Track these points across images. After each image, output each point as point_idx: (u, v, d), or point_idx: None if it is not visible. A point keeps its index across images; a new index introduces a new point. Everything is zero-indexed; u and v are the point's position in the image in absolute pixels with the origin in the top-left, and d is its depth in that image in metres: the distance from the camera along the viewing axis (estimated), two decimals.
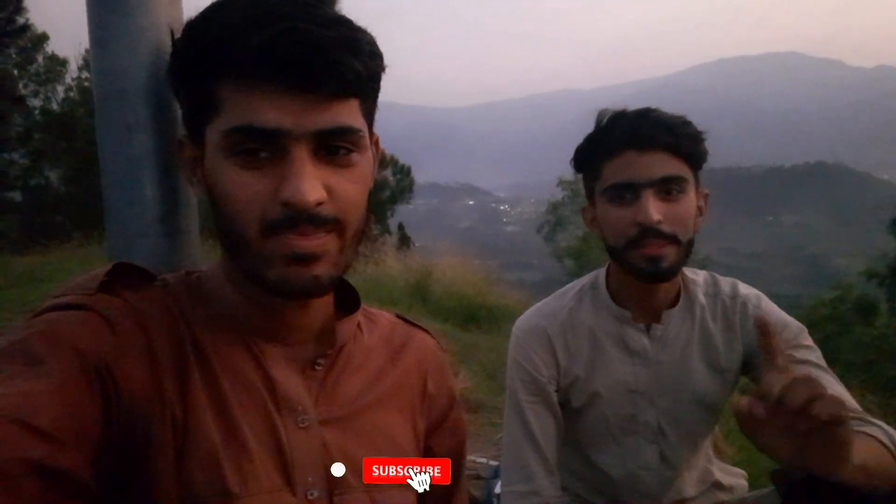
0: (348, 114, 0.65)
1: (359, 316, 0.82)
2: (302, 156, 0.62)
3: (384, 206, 16.18)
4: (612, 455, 1.31)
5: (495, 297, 7.80)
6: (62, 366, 0.56)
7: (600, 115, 1.21)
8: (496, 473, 2.51)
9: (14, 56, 13.40)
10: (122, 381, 0.60)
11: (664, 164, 1.13)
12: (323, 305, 0.76)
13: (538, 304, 1.38)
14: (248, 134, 0.62)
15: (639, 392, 1.27)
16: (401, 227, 16.20)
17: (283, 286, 0.65)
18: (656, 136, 1.12)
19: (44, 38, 14.73)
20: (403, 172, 17.53)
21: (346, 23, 0.64)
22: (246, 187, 0.63)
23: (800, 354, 1.18)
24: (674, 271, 1.17)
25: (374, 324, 0.86)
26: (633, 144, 1.13)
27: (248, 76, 0.61)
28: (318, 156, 0.64)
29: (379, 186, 16.47)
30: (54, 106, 15.53)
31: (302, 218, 0.62)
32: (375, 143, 0.76)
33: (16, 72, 13.51)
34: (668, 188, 1.13)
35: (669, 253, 1.13)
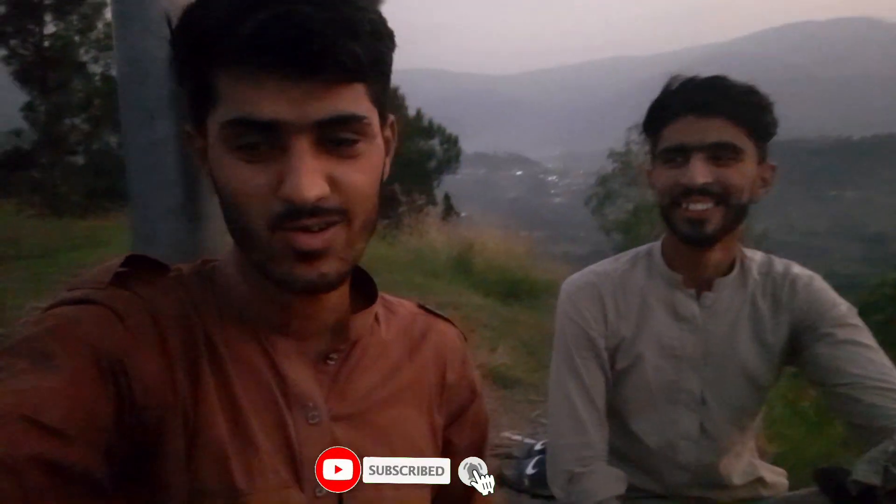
0: (352, 100, 0.61)
1: (376, 308, 0.80)
2: (302, 148, 0.59)
3: (430, 175, 16.12)
4: (651, 423, 1.31)
5: (538, 272, 7.72)
6: (73, 361, 0.56)
7: (671, 80, 1.21)
8: (529, 453, 2.51)
9: (75, 23, 13.76)
10: (133, 375, 0.60)
11: (720, 131, 1.12)
12: (337, 299, 0.73)
13: (590, 266, 1.39)
14: (245, 126, 0.59)
15: (683, 358, 1.27)
16: (447, 197, 16.12)
17: (289, 282, 0.63)
18: (716, 101, 1.13)
19: (103, 4, 15.05)
20: (450, 142, 17.35)
21: (347, 2, 0.59)
22: (248, 182, 0.60)
23: (843, 333, 1.17)
24: (719, 235, 1.16)
25: (394, 314, 0.84)
26: (692, 109, 1.14)
27: (242, 65, 0.58)
28: (321, 146, 0.61)
29: (425, 156, 16.39)
30: (114, 72, 15.93)
31: (304, 212, 0.60)
32: (391, 126, 0.73)
33: (77, 38, 13.88)
34: (720, 154, 1.13)
35: (715, 215, 1.14)
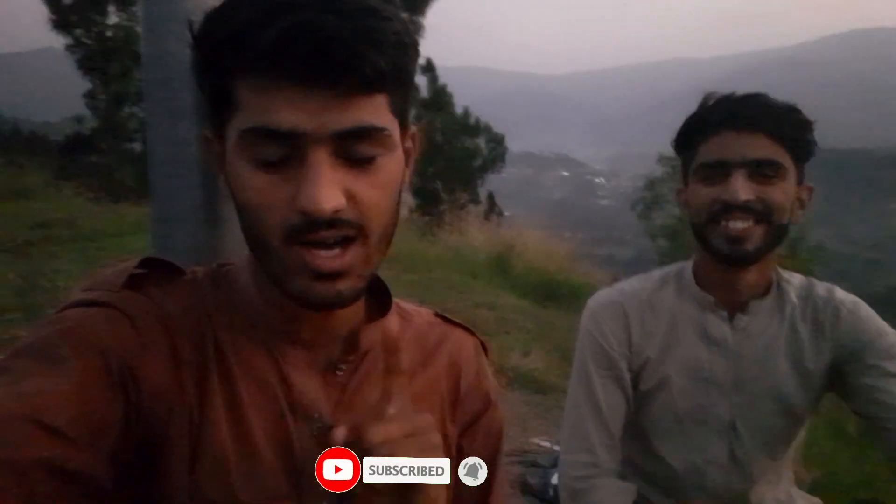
0: (372, 112, 0.60)
1: (388, 319, 0.79)
2: (320, 159, 0.58)
3: (474, 174, 16.05)
4: (677, 446, 1.26)
5: (578, 275, 7.62)
6: (83, 364, 0.56)
7: (706, 97, 1.19)
8: (555, 462, 2.47)
9: (137, 15, 14.23)
10: (142, 380, 0.60)
11: (762, 147, 1.09)
12: (350, 311, 0.73)
13: (618, 283, 1.37)
14: (263, 135, 0.58)
15: (713, 382, 1.22)
16: (490, 196, 16.01)
17: (304, 300, 0.63)
18: (757, 117, 1.10)
19: None
20: (496, 141, 17.24)
21: (370, 11, 0.57)
22: (265, 193, 0.59)
23: (893, 366, 1.12)
24: (759, 255, 1.12)
25: (408, 323, 0.82)
26: (731, 124, 1.11)
27: (262, 74, 0.57)
28: (340, 158, 0.59)
29: (470, 155, 16.32)
30: None
31: (320, 224, 0.59)
32: (412, 138, 0.71)
33: (137, 29, 14.35)
34: (762, 171, 1.09)
35: (756, 233, 1.10)
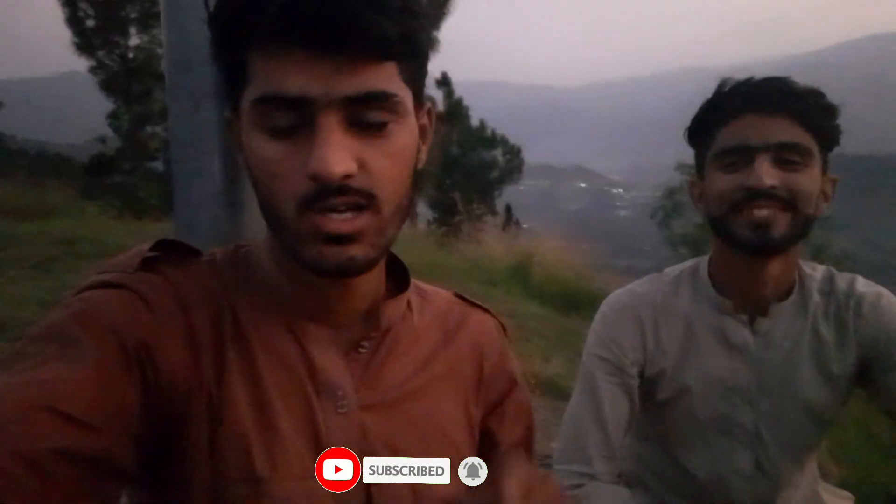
0: (383, 78, 0.59)
1: (408, 296, 0.78)
2: (330, 125, 0.58)
3: (492, 186, 16.07)
4: (700, 455, 1.20)
5: (599, 284, 7.55)
6: (98, 347, 0.56)
7: (722, 82, 1.12)
8: None
9: (159, 36, 14.55)
10: (159, 360, 0.59)
11: (787, 131, 1.02)
12: (369, 285, 0.72)
13: (631, 285, 1.29)
14: (274, 102, 0.58)
15: (736, 390, 1.16)
16: (508, 208, 16.02)
17: (317, 265, 0.62)
18: (781, 99, 1.03)
19: None
20: (513, 152, 17.27)
21: None
22: (278, 162, 0.59)
23: None
24: (784, 244, 1.05)
25: (428, 303, 0.82)
26: (753, 107, 1.04)
27: (272, 42, 0.57)
28: (351, 125, 0.59)
29: (487, 166, 16.36)
30: None
31: (331, 191, 0.58)
32: (428, 113, 0.71)
33: (159, 51, 14.67)
34: (787, 157, 1.02)
35: (782, 220, 1.03)
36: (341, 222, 0.60)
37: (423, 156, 0.70)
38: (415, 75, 0.65)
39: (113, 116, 14.04)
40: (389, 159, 0.62)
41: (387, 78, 0.60)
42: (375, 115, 0.60)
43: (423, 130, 0.69)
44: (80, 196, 10.23)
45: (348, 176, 0.58)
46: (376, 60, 0.59)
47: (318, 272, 0.63)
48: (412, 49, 0.62)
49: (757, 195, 1.02)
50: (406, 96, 0.63)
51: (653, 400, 1.22)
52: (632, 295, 1.25)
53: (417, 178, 0.68)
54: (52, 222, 7.56)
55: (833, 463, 2.49)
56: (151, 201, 12.20)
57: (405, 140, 0.64)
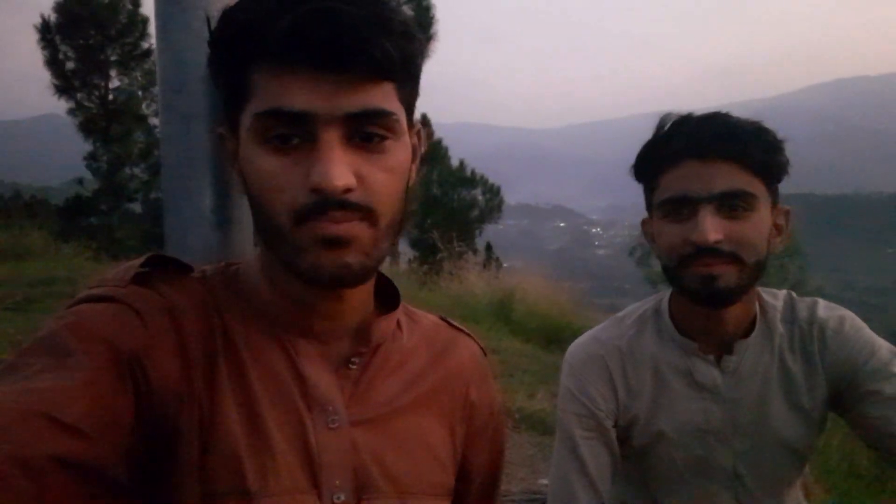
0: (382, 97, 0.63)
1: (398, 315, 0.79)
2: (331, 140, 0.60)
3: (472, 224, 16.22)
4: (683, 498, 1.18)
5: (581, 319, 7.58)
6: (92, 359, 0.56)
7: (662, 119, 1.09)
8: None
9: (139, 79, 14.66)
10: (151, 373, 0.59)
11: (728, 177, 1.00)
12: (360, 301, 0.73)
13: (593, 331, 1.25)
14: (277, 117, 0.60)
15: (710, 432, 1.13)
16: (488, 247, 16.13)
17: (314, 273, 0.63)
18: (720, 143, 1.00)
19: None
20: (493, 192, 17.51)
21: (381, 2, 0.61)
22: (277, 175, 0.61)
23: (891, 388, 1.03)
24: (733, 295, 1.03)
25: (416, 324, 0.83)
26: (693, 153, 1.01)
27: (277, 60, 0.60)
28: (351, 141, 0.62)
29: (467, 205, 16.54)
30: None
31: (331, 203, 0.60)
32: (418, 134, 0.74)
33: (140, 93, 14.76)
34: (731, 204, 1.00)
35: (730, 274, 1.00)
36: (338, 226, 0.61)
37: (414, 175, 0.73)
38: (409, 96, 0.68)
39: (91, 158, 13.99)
40: (386, 174, 0.64)
41: (385, 97, 0.63)
42: (374, 131, 0.63)
43: (413, 150, 0.72)
44: (54, 238, 10.10)
45: (349, 189, 0.61)
46: (377, 80, 0.62)
47: (314, 281, 0.64)
48: (410, 71, 0.66)
49: (702, 251, 1.00)
50: (402, 115, 0.66)
51: (630, 446, 1.20)
52: (596, 342, 1.22)
53: (410, 195, 0.70)
54: (28, 263, 7.44)
55: (818, 487, 2.49)
56: (129, 242, 12.08)
57: (401, 157, 0.66)
